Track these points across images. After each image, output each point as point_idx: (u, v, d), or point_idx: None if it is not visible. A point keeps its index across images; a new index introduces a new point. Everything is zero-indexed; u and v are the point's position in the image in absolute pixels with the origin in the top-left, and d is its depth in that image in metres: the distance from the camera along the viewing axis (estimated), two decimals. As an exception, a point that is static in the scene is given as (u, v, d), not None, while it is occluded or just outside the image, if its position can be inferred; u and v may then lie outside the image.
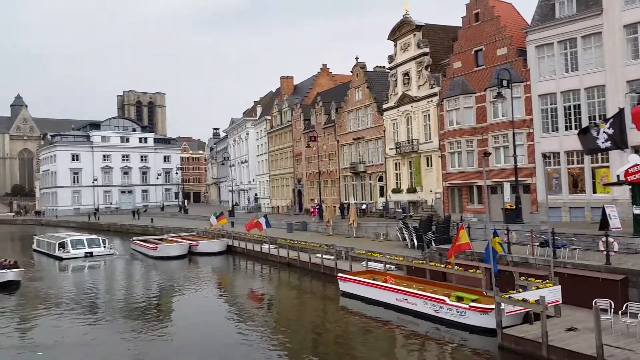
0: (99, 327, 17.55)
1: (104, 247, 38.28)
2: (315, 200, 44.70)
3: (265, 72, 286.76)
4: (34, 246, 43.99)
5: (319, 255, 25.73)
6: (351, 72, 43.11)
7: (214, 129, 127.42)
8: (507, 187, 26.78)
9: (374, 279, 19.43)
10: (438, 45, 34.67)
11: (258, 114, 69.42)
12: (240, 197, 73.15)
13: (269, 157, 61.56)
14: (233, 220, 46.20)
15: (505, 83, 23.98)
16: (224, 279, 28.03)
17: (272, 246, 31.20)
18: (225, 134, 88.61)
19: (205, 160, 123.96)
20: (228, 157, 77.28)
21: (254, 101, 77.86)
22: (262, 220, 33.31)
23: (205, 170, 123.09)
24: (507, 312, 13.56)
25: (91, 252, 37.00)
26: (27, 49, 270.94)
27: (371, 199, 40.25)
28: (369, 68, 43.81)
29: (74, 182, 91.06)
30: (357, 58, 42.07)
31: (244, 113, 78.30)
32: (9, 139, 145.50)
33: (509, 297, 13.33)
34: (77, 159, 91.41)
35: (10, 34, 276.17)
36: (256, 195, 66.84)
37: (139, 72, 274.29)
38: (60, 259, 36.55)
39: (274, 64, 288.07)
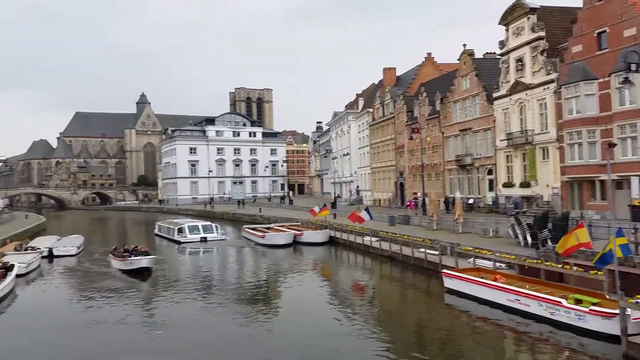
0: (213, 309, 18.77)
1: (217, 233, 41.11)
2: (418, 193, 43.89)
3: (368, 65, 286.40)
4: (156, 231, 48.41)
5: (422, 249, 25.24)
6: (458, 60, 41.51)
7: (317, 122, 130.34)
8: (634, 182, 24.20)
9: (482, 277, 18.66)
10: (555, 28, 32.11)
11: (360, 106, 69.59)
12: (342, 190, 74.02)
13: (370, 150, 61.50)
14: (335, 212, 46.92)
15: (633, 67, 21.53)
16: (327, 269, 28.60)
17: (373, 239, 31.22)
18: (327, 127, 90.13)
19: (309, 153, 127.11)
20: (330, 150, 78.50)
21: (356, 94, 78.19)
22: (364, 214, 33.42)
23: (309, 163, 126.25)
24: (633, 319, 12.32)
25: (205, 237, 39.83)
26: (150, 51, 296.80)
27: (479, 194, 38.59)
28: (478, 55, 41.87)
29: (192, 173, 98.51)
30: (464, 45, 40.49)
31: (346, 106, 78.99)
32: (135, 133, 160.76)
33: (637, 302, 12.08)
34: (194, 152, 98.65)
35: (135, 37, 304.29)
36: (358, 187, 67.19)
37: (249, 70, 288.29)
38: (179, 242, 39.80)
39: (377, 55, 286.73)
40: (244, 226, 45.32)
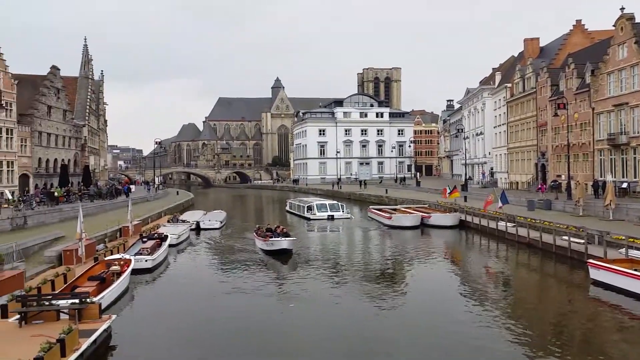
0: (341, 286, 19.16)
1: (343, 212, 42.71)
2: (563, 175, 40.13)
3: (506, 37, 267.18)
4: (287, 208, 51.64)
5: (566, 237, 23.07)
6: (613, 26, 36.66)
7: (448, 100, 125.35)
8: None
9: (635, 269, 16.57)
10: None
11: (496, 82, 65.26)
12: (474, 171, 70.62)
13: (507, 129, 57.55)
14: (466, 195, 44.98)
15: None
16: (457, 254, 27.57)
17: (509, 224, 29.31)
18: (459, 105, 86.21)
19: (438, 132, 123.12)
20: (462, 129, 75.03)
21: (493, 68, 73.51)
22: (498, 197, 31.49)
23: (438, 143, 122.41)
24: None
25: (332, 216, 41.60)
26: (284, 38, 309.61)
27: (635, 177, 34.10)
28: (638, 20, 36.55)
29: (321, 154, 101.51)
30: (622, 9, 35.53)
31: (480, 82, 74.71)
32: (270, 117, 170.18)
33: None
34: (323, 134, 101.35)
35: (265, 27, 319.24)
36: (492, 169, 63.55)
37: (377, 49, 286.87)
38: (308, 219, 42.06)
39: (516, 26, 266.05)
40: (370, 207, 45.74)
